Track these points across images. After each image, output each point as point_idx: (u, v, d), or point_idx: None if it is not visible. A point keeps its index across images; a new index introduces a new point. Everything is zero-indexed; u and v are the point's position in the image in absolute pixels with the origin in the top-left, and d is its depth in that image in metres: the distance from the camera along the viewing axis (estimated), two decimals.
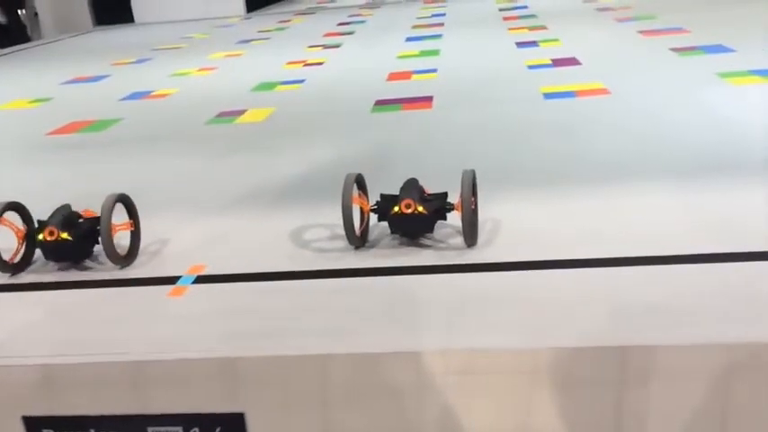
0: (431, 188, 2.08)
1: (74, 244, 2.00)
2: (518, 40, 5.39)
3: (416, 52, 5.33)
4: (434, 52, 5.26)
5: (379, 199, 2.05)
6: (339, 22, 7.83)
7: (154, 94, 4.69)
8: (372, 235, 2.09)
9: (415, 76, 4.44)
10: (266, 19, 8.98)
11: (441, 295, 1.75)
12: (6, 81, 6.14)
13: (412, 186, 2.04)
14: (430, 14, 7.71)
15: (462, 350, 1.53)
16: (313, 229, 2.20)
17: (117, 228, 2.02)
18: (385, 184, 2.14)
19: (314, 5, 10.22)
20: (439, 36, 6.07)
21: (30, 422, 1.64)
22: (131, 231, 2.09)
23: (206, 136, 3.55)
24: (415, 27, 6.79)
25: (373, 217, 2.05)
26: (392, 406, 1.55)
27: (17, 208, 2.06)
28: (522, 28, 6.04)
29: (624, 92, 3.56)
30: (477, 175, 2.02)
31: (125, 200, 2.09)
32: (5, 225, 2.02)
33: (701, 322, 1.53)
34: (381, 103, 3.81)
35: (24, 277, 2.05)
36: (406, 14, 7.90)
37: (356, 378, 1.55)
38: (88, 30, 9.72)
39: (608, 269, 1.80)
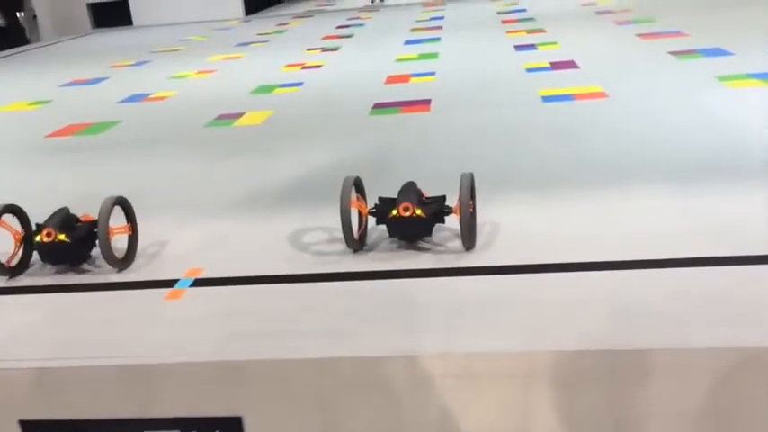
0: (429, 191, 2.08)
1: (71, 246, 2.00)
2: (516, 44, 5.40)
3: (415, 55, 5.33)
4: (433, 55, 5.26)
5: (377, 202, 2.05)
6: (338, 25, 7.83)
7: (152, 96, 4.68)
8: (371, 238, 2.09)
9: (413, 80, 4.44)
10: (265, 22, 8.99)
11: (439, 298, 1.75)
12: (5, 83, 6.14)
13: (410, 189, 2.04)
14: (428, 18, 7.72)
15: (461, 353, 1.53)
16: (311, 232, 2.20)
17: (114, 231, 2.01)
18: (383, 187, 2.13)
19: (313, 8, 10.23)
20: (437, 39, 6.07)
21: (26, 426, 1.63)
22: (129, 234, 2.08)
23: (204, 139, 3.55)
24: (413, 30, 6.80)
25: (371, 220, 2.05)
26: (391, 409, 1.55)
27: (15, 211, 2.05)
28: (521, 31, 6.05)
29: (622, 95, 3.56)
30: (476, 179, 2.02)
31: (123, 203, 2.09)
32: (3, 228, 2.01)
33: (700, 325, 1.53)
34: (380, 107, 3.81)
35: (22, 280, 2.04)
36: (405, 18, 7.90)
37: (355, 381, 1.55)
38: (87, 32, 9.73)
39: (606, 272, 1.80)
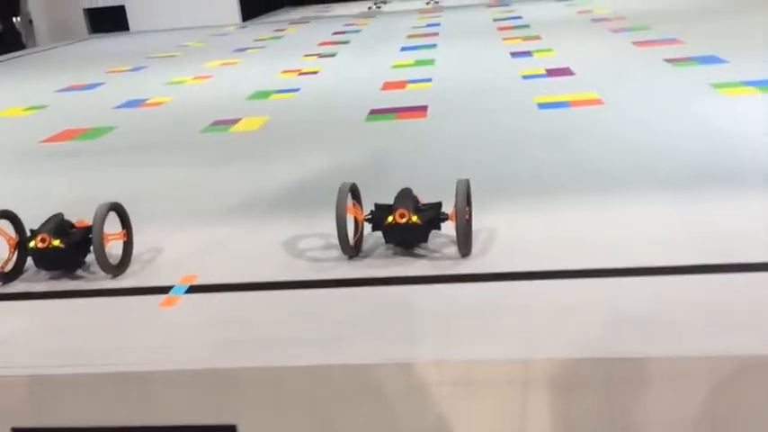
0: (425, 198, 2.08)
1: (65, 252, 1.99)
2: (512, 50, 5.41)
3: (411, 62, 5.34)
4: (429, 62, 5.27)
5: (373, 208, 2.04)
6: (334, 31, 7.85)
7: (149, 102, 4.68)
8: (366, 244, 2.09)
9: (409, 86, 4.45)
10: (262, 28, 9.00)
11: (435, 305, 1.74)
12: (1, 88, 6.12)
13: (406, 196, 2.04)
14: (425, 24, 7.74)
15: (457, 360, 1.52)
16: (307, 238, 2.20)
17: (109, 237, 2.01)
18: (379, 193, 2.13)
19: (309, 14, 10.25)
20: (434, 46, 6.08)
21: None
22: (124, 240, 2.07)
23: (201, 144, 3.54)
24: (410, 37, 6.81)
25: (367, 226, 2.04)
26: (386, 417, 1.54)
27: (9, 216, 2.05)
28: (517, 38, 6.06)
29: (618, 102, 3.57)
30: (472, 185, 2.02)
31: (118, 209, 2.08)
32: None
33: (696, 333, 1.53)
34: (376, 113, 3.81)
35: (15, 286, 2.03)
36: (402, 24, 7.92)
37: (350, 389, 1.54)
38: (83, 37, 9.73)
39: (602, 279, 1.80)
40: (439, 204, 2.05)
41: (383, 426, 1.55)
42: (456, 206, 1.91)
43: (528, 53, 5.24)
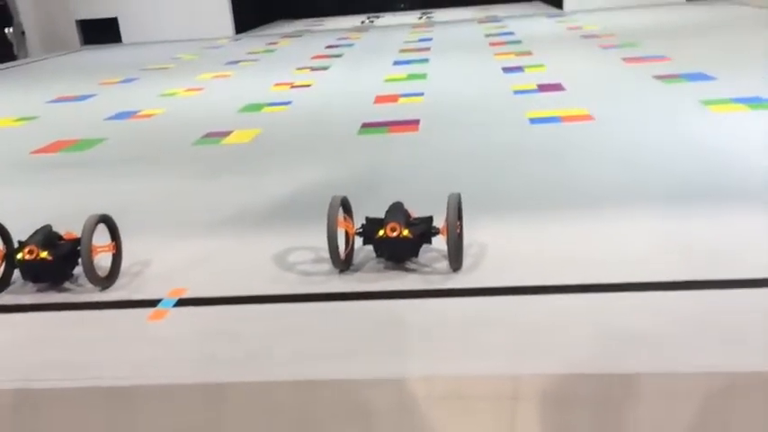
0: (416, 212, 2.08)
1: (53, 264, 1.97)
2: (504, 66, 5.45)
3: (404, 76, 5.36)
4: (421, 76, 5.30)
5: (364, 222, 2.04)
6: (327, 44, 7.88)
7: (140, 114, 4.67)
8: (357, 258, 2.08)
9: (401, 100, 4.47)
10: (255, 41, 9.03)
11: (425, 320, 1.74)
12: None
13: (397, 210, 2.04)
14: (417, 39, 7.79)
15: (447, 376, 1.52)
16: (297, 251, 2.19)
17: (98, 249, 1.99)
18: (370, 207, 2.13)
19: (302, 28, 10.30)
20: (426, 60, 6.12)
21: None
22: (113, 253, 2.06)
23: (192, 156, 3.53)
24: (402, 51, 6.85)
25: (358, 240, 2.04)
26: None
27: None
28: (509, 53, 6.11)
29: (609, 118, 3.59)
30: (463, 199, 2.02)
31: (107, 220, 2.07)
32: None
33: (687, 350, 1.53)
34: (368, 126, 3.82)
35: (2, 298, 2.01)
36: (394, 38, 7.97)
37: (339, 405, 1.53)
38: (76, 49, 9.72)
39: (593, 295, 1.80)
40: (430, 218, 2.05)
41: None
42: (447, 220, 1.91)
43: (520, 68, 5.27)
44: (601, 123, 3.50)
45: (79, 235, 1.96)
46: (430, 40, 7.63)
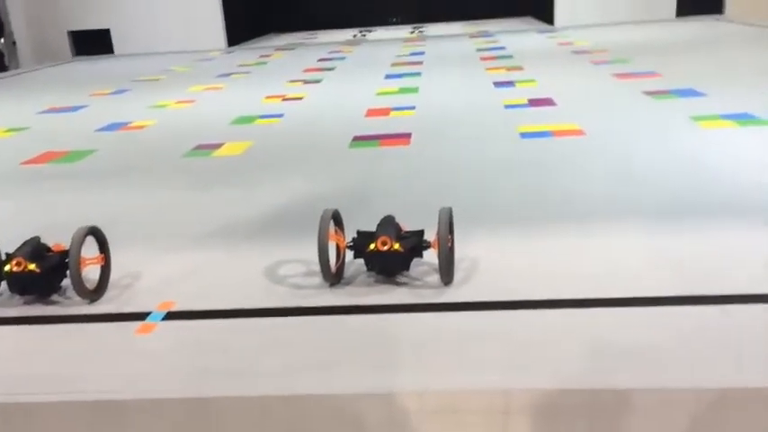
0: (408, 225, 2.08)
1: (41, 277, 1.95)
2: (495, 80, 5.48)
3: (395, 89, 5.38)
4: (413, 89, 5.32)
5: (355, 235, 2.03)
6: (320, 57, 7.90)
7: (131, 125, 4.66)
8: (348, 272, 2.08)
9: (393, 113, 4.48)
10: (247, 53, 9.04)
11: (416, 334, 1.73)
12: None
13: (389, 223, 2.04)
14: (409, 53, 7.83)
15: (438, 390, 1.51)
16: (288, 264, 2.18)
17: (87, 261, 1.97)
18: (362, 220, 2.13)
19: (295, 41, 10.33)
20: (418, 74, 6.14)
21: None
22: (101, 265, 2.04)
23: (182, 169, 3.52)
24: (394, 65, 6.88)
25: (349, 254, 2.03)
26: None
27: None
28: (500, 68, 6.14)
29: (599, 133, 3.61)
30: (454, 213, 2.02)
31: (96, 233, 2.05)
32: None
33: (676, 365, 1.53)
34: (360, 139, 3.82)
35: None
36: (387, 52, 8.00)
37: (330, 420, 1.51)
38: (67, 60, 9.70)
39: (584, 309, 1.80)
40: (421, 232, 2.05)
41: None
42: (438, 234, 1.91)
43: (511, 83, 5.31)
44: (592, 138, 3.52)
45: (68, 247, 1.95)
46: (422, 54, 7.67)
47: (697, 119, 3.72)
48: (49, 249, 2.04)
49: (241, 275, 2.14)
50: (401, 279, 2.02)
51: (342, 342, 1.71)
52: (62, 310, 1.97)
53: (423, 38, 9.61)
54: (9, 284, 1.99)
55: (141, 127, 4.58)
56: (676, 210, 2.46)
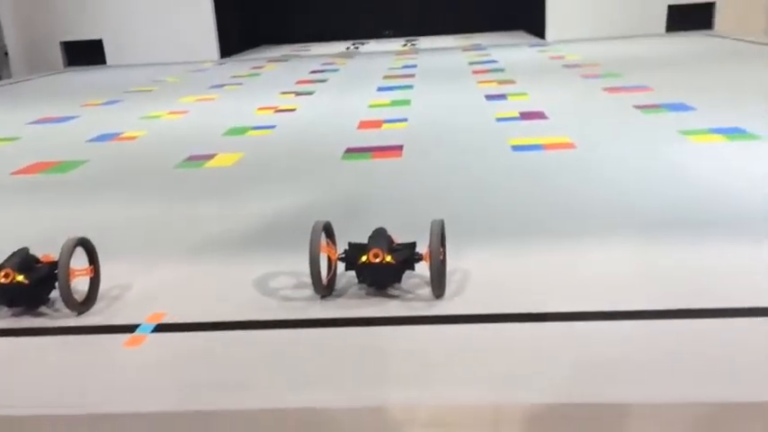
0: (399, 237, 2.07)
1: (29, 288, 1.93)
2: (487, 93, 5.51)
3: (388, 101, 5.40)
4: (405, 102, 5.34)
5: (347, 247, 2.03)
6: (312, 69, 7.92)
7: (122, 136, 4.65)
8: (339, 284, 2.07)
9: (385, 125, 4.49)
10: (240, 65, 9.06)
11: (408, 347, 1.72)
12: None
13: (380, 235, 2.03)
14: (401, 65, 7.86)
15: (429, 404, 1.50)
16: (279, 276, 2.17)
17: (76, 272, 1.96)
18: (353, 232, 2.12)
19: (288, 53, 10.36)
20: (410, 87, 6.17)
21: None
22: (90, 277, 2.03)
23: (174, 179, 3.51)
24: (386, 77, 6.90)
25: (341, 266, 2.03)
26: None
27: None
28: (491, 81, 6.18)
29: (590, 146, 3.63)
30: (446, 226, 2.02)
31: (86, 244, 2.04)
32: None
33: (668, 380, 1.53)
34: (352, 151, 3.82)
35: None
36: (379, 65, 8.03)
37: None
38: (59, 70, 9.68)
39: (576, 323, 1.80)
40: (413, 244, 2.05)
41: None
42: (430, 247, 1.91)
43: (503, 96, 5.33)
44: (583, 152, 3.54)
45: (57, 258, 1.93)
46: (414, 66, 7.70)
47: (687, 133, 3.75)
48: (37, 260, 2.02)
49: (232, 287, 2.12)
50: (393, 291, 2.02)
51: (332, 355, 1.70)
52: (50, 322, 1.95)
53: (415, 51, 9.66)
54: None
55: (133, 138, 4.57)
56: (666, 223, 2.47)
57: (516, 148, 3.68)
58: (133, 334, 1.85)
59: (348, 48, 10.71)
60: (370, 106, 5.24)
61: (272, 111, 5.29)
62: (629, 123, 4.17)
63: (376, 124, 4.53)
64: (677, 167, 3.14)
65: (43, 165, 3.91)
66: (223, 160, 3.80)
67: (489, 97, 5.33)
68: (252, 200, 3.06)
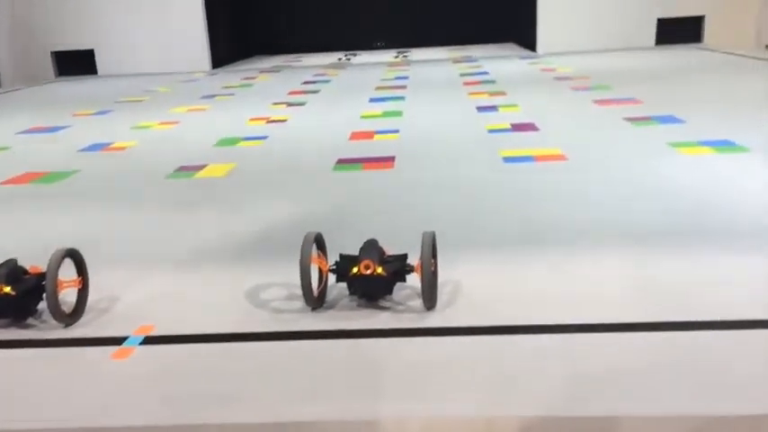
0: (391, 249, 2.07)
1: (16, 299, 1.91)
2: (478, 105, 5.53)
3: (379, 113, 5.41)
4: (397, 113, 5.35)
5: (338, 259, 2.02)
6: (304, 80, 7.93)
7: (113, 146, 4.63)
8: (330, 295, 2.06)
9: (377, 136, 4.49)
10: (232, 75, 9.06)
11: (399, 359, 1.71)
12: None
13: (372, 247, 2.03)
14: (393, 77, 7.88)
15: (421, 417, 1.49)
16: (270, 288, 2.16)
17: (64, 284, 1.94)
18: (345, 243, 2.12)
19: (280, 64, 10.37)
20: (402, 98, 6.18)
21: None
22: (79, 288, 2.01)
23: (164, 190, 3.49)
24: (378, 88, 6.92)
25: (332, 277, 2.02)
26: None
27: None
28: (483, 93, 6.20)
29: (581, 158, 3.65)
30: (438, 237, 2.02)
31: (74, 255, 2.02)
32: None
33: (659, 393, 1.52)
34: (343, 162, 3.82)
35: None
36: (371, 76, 8.05)
37: None
38: (50, 80, 9.65)
39: (567, 335, 1.80)
40: (404, 256, 2.04)
41: None
42: (422, 258, 1.91)
43: (494, 108, 5.35)
44: (573, 163, 3.55)
45: (45, 269, 1.91)
46: (406, 78, 7.73)
47: (676, 145, 3.77)
48: (25, 272, 2.00)
49: (222, 299, 2.11)
50: (384, 303, 2.01)
51: (323, 367, 1.69)
52: (37, 334, 1.93)
53: (407, 62, 9.69)
54: None
55: (124, 148, 4.55)
56: (656, 235, 2.48)
57: (508, 159, 3.69)
58: (121, 346, 1.83)
59: (340, 59, 10.74)
60: (362, 117, 5.25)
61: (264, 121, 5.29)
62: (619, 135, 4.19)
63: (368, 135, 4.54)
64: (667, 179, 3.16)
65: (33, 175, 3.88)
66: (214, 171, 3.79)
67: (480, 109, 5.35)
68: (243, 211, 3.05)
